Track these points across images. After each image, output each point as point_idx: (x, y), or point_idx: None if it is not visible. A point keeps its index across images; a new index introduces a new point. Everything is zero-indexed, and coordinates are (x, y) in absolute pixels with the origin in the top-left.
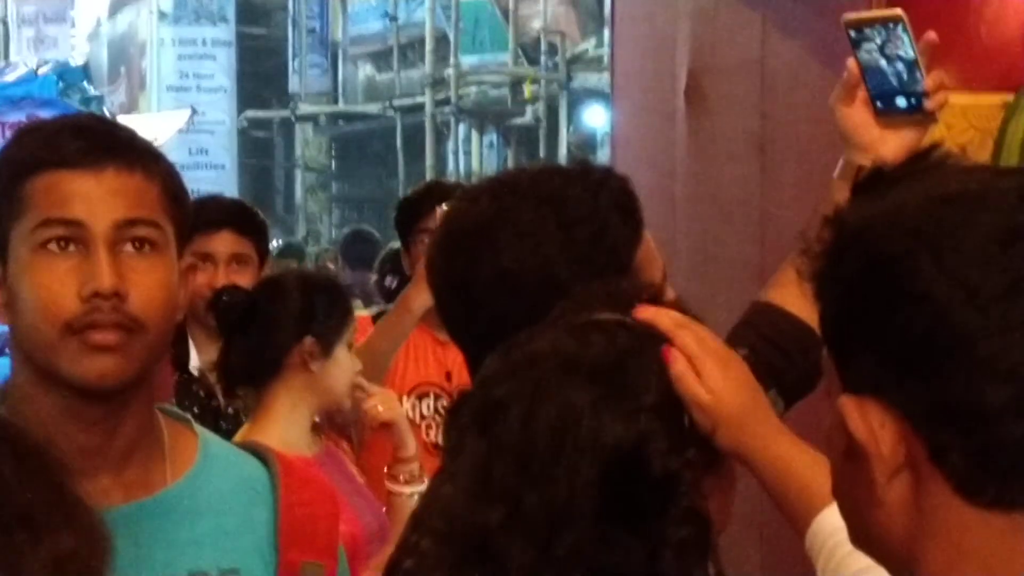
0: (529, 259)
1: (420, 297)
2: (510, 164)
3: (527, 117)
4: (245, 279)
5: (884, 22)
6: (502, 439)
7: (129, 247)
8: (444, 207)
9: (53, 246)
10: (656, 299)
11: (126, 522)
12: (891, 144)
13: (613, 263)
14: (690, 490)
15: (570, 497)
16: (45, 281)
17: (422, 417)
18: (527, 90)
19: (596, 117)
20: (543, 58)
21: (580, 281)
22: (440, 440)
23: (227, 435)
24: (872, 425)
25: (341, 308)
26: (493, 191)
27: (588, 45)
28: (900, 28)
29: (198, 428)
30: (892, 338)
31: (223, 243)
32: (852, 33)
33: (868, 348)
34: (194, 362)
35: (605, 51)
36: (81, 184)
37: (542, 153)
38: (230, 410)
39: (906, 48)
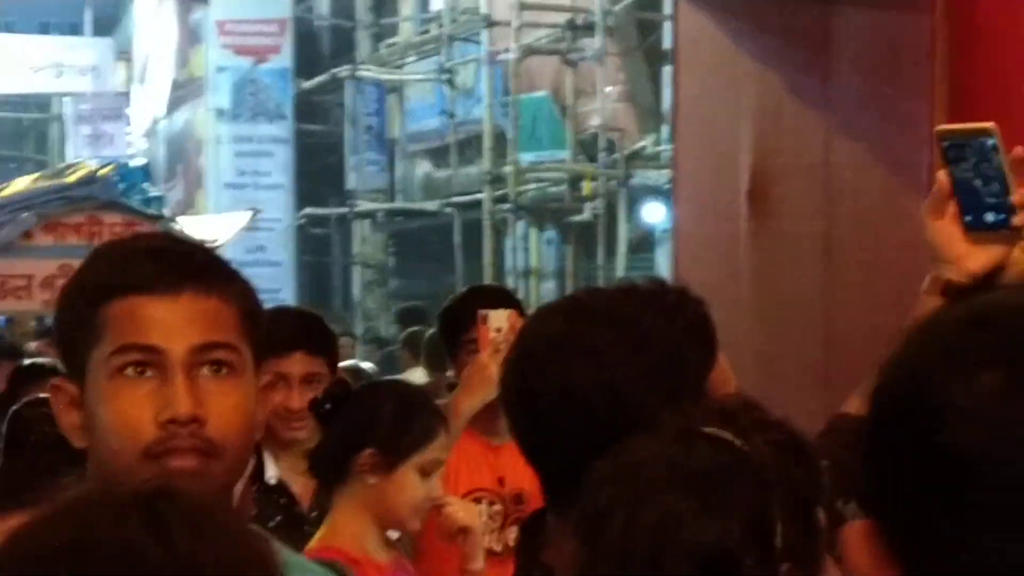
0: (597, 379)
1: (468, 402)
2: (568, 261)
3: (586, 214)
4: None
5: (976, 135)
6: (606, 543)
7: (206, 370)
8: (483, 313)
9: (130, 371)
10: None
11: None
12: (979, 258)
13: (684, 386)
14: None
15: None
16: (123, 407)
17: None
18: (586, 187)
19: (655, 214)
20: (601, 155)
21: (648, 402)
22: (495, 546)
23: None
24: None
25: (417, 429)
26: (566, 311)
27: (646, 142)
28: (991, 141)
29: (276, 545)
30: None
31: (297, 364)
32: (945, 145)
33: None
34: (271, 472)
35: (664, 148)
36: (158, 309)
37: (600, 250)
38: (313, 514)
39: (996, 163)
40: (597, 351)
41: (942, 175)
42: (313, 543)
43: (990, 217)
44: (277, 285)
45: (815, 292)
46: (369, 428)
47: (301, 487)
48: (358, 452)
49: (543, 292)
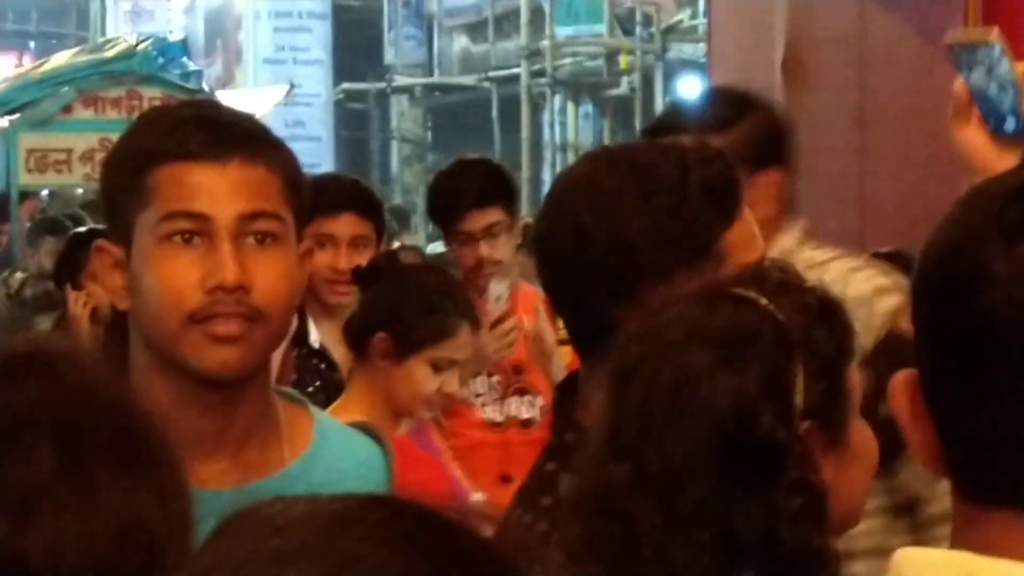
0: (604, 218)
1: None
2: (605, 135)
3: (622, 88)
4: (365, 260)
5: (982, 43)
6: (629, 400)
7: (251, 239)
8: (483, 286)
9: (178, 239)
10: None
11: (244, 503)
12: (1010, 164)
13: (690, 240)
14: (800, 462)
15: (686, 458)
16: (169, 273)
17: (477, 395)
18: (622, 61)
19: (691, 88)
20: (638, 29)
21: (653, 249)
22: (496, 416)
23: None
24: None
25: (434, 324)
26: (593, 158)
27: (683, 16)
28: (997, 49)
29: (313, 409)
30: None
31: (345, 226)
32: (956, 52)
33: None
34: (313, 336)
35: (700, 22)
36: (205, 176)
37: (637, 124)
38: None
39: (1005, 69)
40: (606, 193)
41: (959, 84)
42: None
43: (1011, 124)
44: (316, 160)
45: (850, 162)
46: (387, 312)
47: (342, 355)
48: (374, 333)
49: None
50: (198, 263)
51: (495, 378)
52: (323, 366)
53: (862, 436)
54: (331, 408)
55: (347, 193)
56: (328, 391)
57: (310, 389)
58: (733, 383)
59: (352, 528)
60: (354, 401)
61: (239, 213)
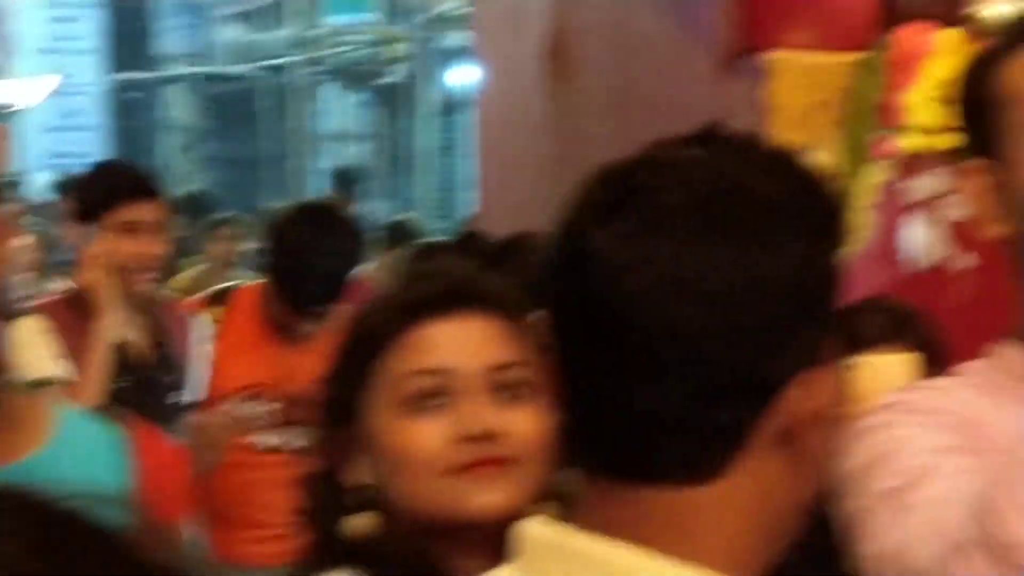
0: None
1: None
2: (378, 124)
3: (394, 76)
4: (163, 247)
5: None
6: None
7: None
8: None
9: None
10: None
11: None
12: None
13: None
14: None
15: None
16: None
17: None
18: (392, 49)
19: (462, 76)
20: (408, 17)
21: None
22: (270, 441)
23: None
24: None
25: None
26: None
27: (453, 4)
28: None
29: (51, 398)
30: None
31: (153, 211)
32: None
33: None
34: (118, 331)
35: (469, 10)
36: None
37: (409, 112)
38: (168, 378)
39: None
40: None
41: None
42: None
43: None
44: (92, 150)
45: (615, 148)
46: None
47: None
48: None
49: (352, 155)
50: None
51: (274, 405)
52: (129, 361)
53: (383, 432)
54: None
55: (150, 179)
56: (139, 385)
57: (122, 385)
58: None
59: None
60: None
61: None
